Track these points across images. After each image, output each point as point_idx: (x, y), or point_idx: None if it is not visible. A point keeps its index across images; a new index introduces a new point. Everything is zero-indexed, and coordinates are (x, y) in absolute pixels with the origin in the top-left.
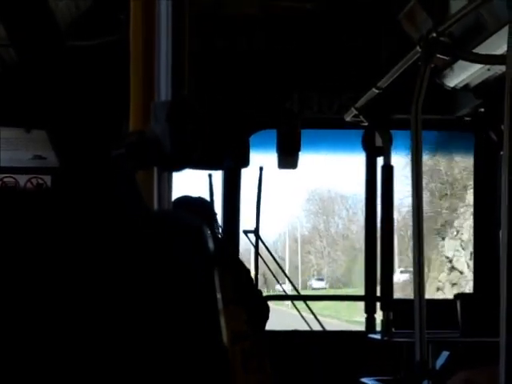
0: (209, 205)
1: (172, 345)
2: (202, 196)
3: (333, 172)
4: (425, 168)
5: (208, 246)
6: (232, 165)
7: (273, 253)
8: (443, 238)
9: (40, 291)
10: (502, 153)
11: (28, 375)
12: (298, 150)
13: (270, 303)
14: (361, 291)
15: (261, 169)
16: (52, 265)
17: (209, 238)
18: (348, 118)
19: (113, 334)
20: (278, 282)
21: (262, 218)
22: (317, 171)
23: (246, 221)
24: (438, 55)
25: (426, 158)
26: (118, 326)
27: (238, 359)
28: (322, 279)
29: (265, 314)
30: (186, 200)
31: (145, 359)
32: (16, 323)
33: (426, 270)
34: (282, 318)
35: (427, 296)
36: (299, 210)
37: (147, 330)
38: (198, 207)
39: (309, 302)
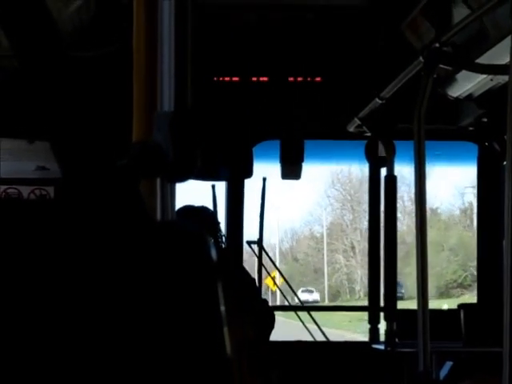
0: (212, 214)
1: (175, 355)
2: (205, 206)
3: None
4: None
5: (211, 255)
6: (233, 175)
7: (287, 254)
8: None
9: (43, 299)
10: (505, 163)
11: (30, 375)
12: (302, 160)
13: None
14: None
15: (264, 179)
16: (54, 275)
17: (212, 247)
18: (351, 129)
19: (115, 343)
20: (295, 295)
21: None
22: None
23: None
24: (441, 65)
25: None
26: (120, 336)
27: (244, 369)
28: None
29: (270, 323)
30: (189, 209)
31: (148, 369)
32: (20, 327)
33: None
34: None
35: None
36: (321, 197)
37: (150, 340)
38: (201, 217)
39: None
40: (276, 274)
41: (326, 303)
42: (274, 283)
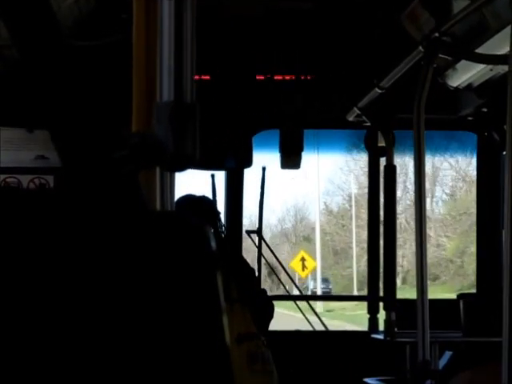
0: (212, 204)
1: (173, 344)
2: (205, 195)
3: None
4: None
5: (210, 245)
6: (234, 165)
7: (289, 234)
8: None
9: (42, 290)
10: (504, 153)
11: (30, 373)
12: (301, 149)
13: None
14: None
15: (263, 169)
16: (53, 265)
17: (211, 237)
18: (350, 118)
19: (114, 334)
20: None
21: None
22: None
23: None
24: (441, 55)
25: None
26: (119, 326)
27: (244, 360)
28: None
29: (269, 313)
30: (188, 199)
31: (146, 358)
32: (18, 321)
33: None
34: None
35: None
36: (344, 161)
37: (149, 329)
38: (200, 206)
39: None
40: (305, 255)
41: (355, 293)
42: (303, 269)
